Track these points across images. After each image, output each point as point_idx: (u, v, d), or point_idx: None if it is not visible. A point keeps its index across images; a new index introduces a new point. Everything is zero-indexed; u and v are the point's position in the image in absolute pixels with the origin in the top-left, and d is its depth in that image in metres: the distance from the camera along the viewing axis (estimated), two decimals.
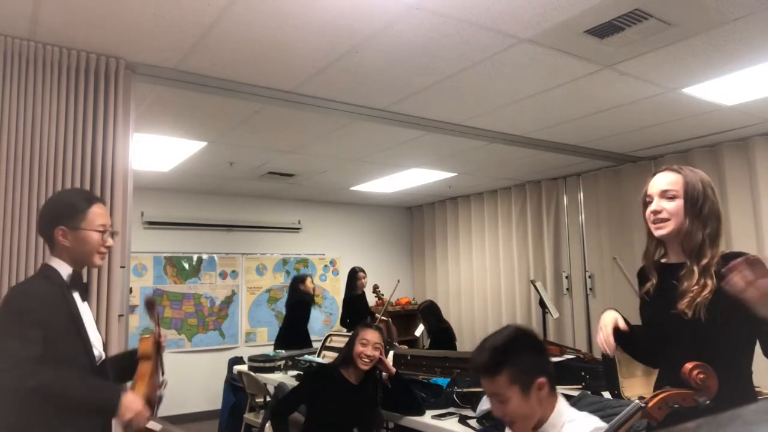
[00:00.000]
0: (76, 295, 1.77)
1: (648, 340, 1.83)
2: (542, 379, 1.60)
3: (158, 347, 2.01)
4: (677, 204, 1.66)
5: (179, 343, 6.23)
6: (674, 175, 1.69)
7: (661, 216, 1.67)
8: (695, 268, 1.61)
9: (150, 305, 2.10)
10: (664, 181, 1.69)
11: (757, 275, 1.30)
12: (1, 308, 1.66)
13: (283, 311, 6.94)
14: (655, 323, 1.75)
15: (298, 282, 5.81)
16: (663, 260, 1.78)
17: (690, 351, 1.48)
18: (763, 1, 2.36)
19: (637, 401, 1.40)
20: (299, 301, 5.68)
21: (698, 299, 1.57)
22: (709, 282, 1.57)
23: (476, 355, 1.67)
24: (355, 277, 6.13)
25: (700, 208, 1.65)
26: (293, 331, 5.55)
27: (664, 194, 1.68)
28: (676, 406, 1.38)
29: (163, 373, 2.04)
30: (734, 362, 1.59)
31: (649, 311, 1.78)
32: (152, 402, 1.85)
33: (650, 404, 1.38)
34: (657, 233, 1.69)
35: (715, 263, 1.60)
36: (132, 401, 1.66)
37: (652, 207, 1.69)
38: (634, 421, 1.39)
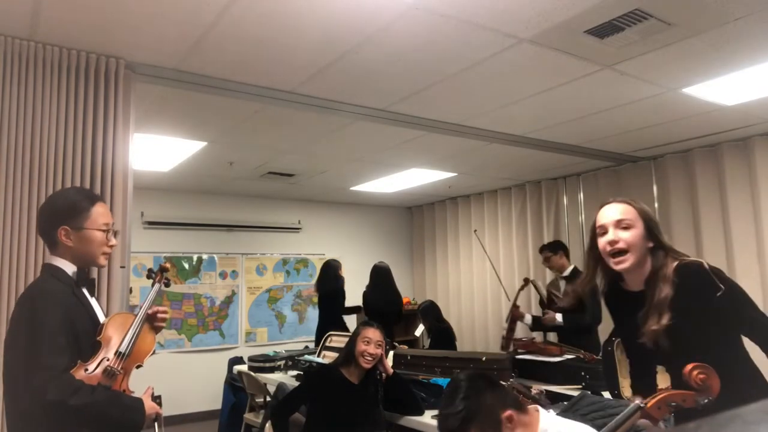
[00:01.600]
0: (85, 292, 1.78)
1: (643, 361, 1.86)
2: (507, 413, 1.58)
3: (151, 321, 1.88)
4: (633, 233, 1.66)
5: (179, 343, 6.23)
6: (625, 205, 1.70)
7: (618, 246, 1.66)
8: (652, 300, 1.62)
9: (161, 270, 2.04)
10: (616, 210, 1.70)
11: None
12: (20, 311, 1.63)
13: (284, 311, 6.99)
14: (631, 348, 1.81)
15: (336, 269, 5.71)
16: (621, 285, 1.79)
17: (671, 366, 1.52)
18: (763, 1, 2.36)
19: (637, 401, 1.41)
20: (336, 290, 5.62)
21: (657, 329, 1.58)
22: (665, 313, 1.58)
23: (442, 425, 1.67)
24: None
25: (654, 234, 1.67)
26: (334, 322, 5.48)
27: (619, 224, 1.68)
28: (674, 404, 1.39)
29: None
30: (723, 359, 1.60)
31: (624, 337, 1.86)
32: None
33: (649, 404, 1.39)
34: (617, 267, 1.68)
35: (669, 296, 1.60)
36: (150, 406, 1.69)
37: (608, 237, 1.69)
38: (633, 421, 1.39)
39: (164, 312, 1.91)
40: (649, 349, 1.62)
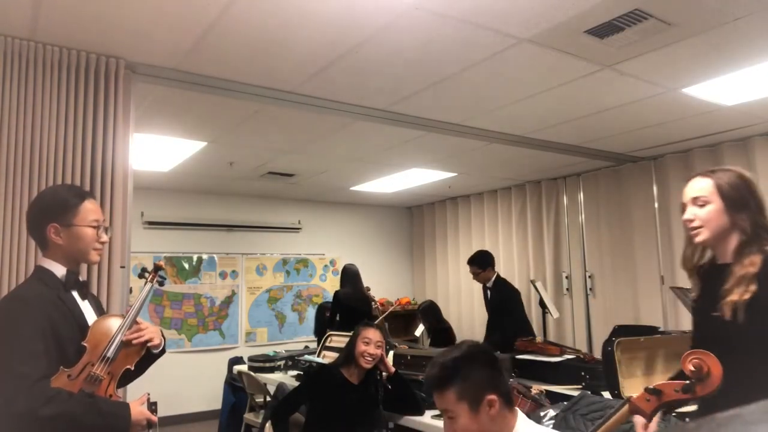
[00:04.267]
0: (75, 295, 1.72)
1: (697, 344, 1.82)
2: (492, 396, 1.52)
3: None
4: (709, 210, 1.67)
5: (179, 343, 6.23)
6: (704, 180, 1.70)
7: (693, 224, 1.70)
8: (736, 272, 1.61)
9: (155, 269, 1.91)
10: (694, 188, 1.72)
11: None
12: None
13: (284, 312, 7.00)
14: (700, 326, 1.77)
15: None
16: (713, 261, 1.78)
17: (725, 350, 1.43)
18: (763, 1, 2.36)
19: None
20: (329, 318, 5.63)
21: (738, 300, 1.57)
22: (752, 286, 1.56)
23: (428, 370, 1.63)
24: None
25: (738, 209, 1.66)
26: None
27: (695, 201, 1.70)
28: (652, 389, 1.36)
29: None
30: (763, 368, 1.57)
31: (697, 314, 1.81)
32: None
33: (636, 396, 1.37)
34: (695, 240, 1.72)
35: (758, 268, 1.58)
36: (139, 412, 1.64)
37: (685, 215, 1.72)
38: (622, 415, 1.39)
39: (149, 338, 1.76)
40: (716, 327, 1.60)
